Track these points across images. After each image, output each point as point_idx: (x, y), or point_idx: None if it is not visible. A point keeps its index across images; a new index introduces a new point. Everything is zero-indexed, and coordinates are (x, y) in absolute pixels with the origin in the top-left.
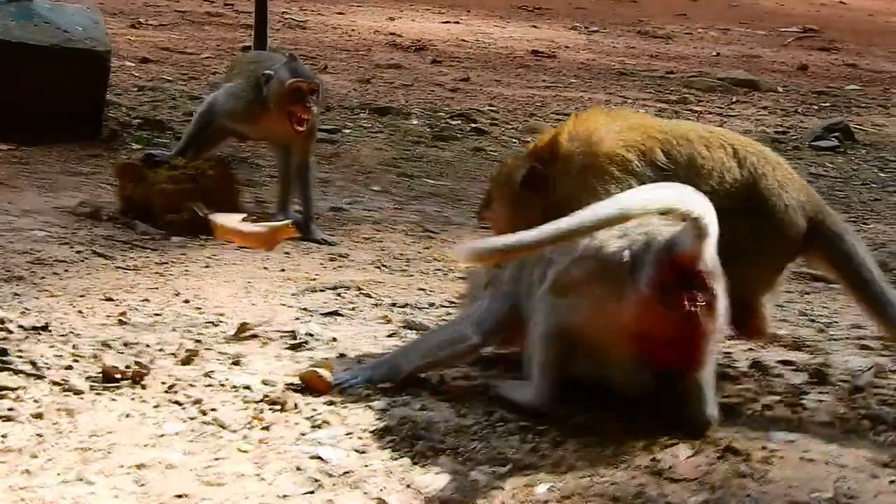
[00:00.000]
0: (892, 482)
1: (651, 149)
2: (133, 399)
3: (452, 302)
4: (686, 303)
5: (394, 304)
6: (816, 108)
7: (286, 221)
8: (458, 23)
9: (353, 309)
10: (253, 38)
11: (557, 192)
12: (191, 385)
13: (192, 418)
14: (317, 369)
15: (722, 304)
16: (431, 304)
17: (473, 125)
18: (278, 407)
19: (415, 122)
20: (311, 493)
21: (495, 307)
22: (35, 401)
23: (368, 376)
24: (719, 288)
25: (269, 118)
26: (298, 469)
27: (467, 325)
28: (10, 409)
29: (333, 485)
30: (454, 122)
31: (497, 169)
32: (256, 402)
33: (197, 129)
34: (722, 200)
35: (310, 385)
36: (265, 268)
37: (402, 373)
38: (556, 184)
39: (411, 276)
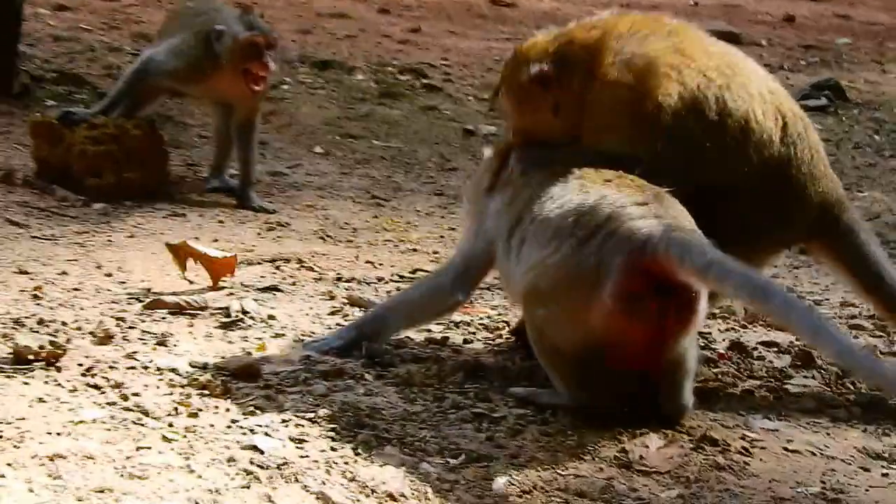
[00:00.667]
0: (884, 475)
1: (706, 101)
2: (47, 382)
3: (402, 276)
4: (655, 314)
5: (338, 279)
6: (804, 63)
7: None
8: None
9: (292, 284)
10: None
11: (586, 115)
12: (111, 367)
13: (111, 404)
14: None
15: (703, 302)
16: (380, 279)
17: (425, 81)
18: (207, 392)
19: (360, 77)
20: (246, 486)
21: (476, 254)
22: None
23: (353, 336)
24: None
25: (220, 77)
26: (231, 460)
27: (449, 279)
28: None
29: (269, 477)
30: (404, 78)
31: (511, 54)
32: (183, 387)
33: (128, 86)
34: (748, 176)
35: (241, 372)
36: (196, 238)
37: (389, 332)
38: (586, 103)
39: (358, 247)
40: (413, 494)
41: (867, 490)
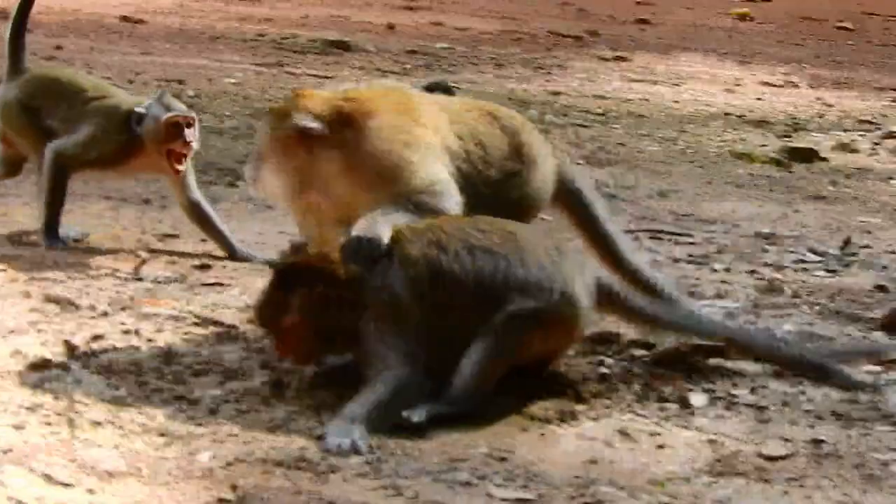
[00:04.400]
0: (541, 434)
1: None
2: None
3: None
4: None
5: (31, 279)
6: (410, 66)
7: None
8: None
9: None
10: (7, 49)
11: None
12: None
13: None
14: None
15: None
16: (70, 277)
17: None
18: None
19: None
20: None
21: None
22: None
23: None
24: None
25: (142, 159)
26: None
27: None
28: None
29: None
30: None
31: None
32: None
33: (56, 186)
34: (500, 162)
35: None
36: None
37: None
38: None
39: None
40: (129, 471)
41: (528, 447)
